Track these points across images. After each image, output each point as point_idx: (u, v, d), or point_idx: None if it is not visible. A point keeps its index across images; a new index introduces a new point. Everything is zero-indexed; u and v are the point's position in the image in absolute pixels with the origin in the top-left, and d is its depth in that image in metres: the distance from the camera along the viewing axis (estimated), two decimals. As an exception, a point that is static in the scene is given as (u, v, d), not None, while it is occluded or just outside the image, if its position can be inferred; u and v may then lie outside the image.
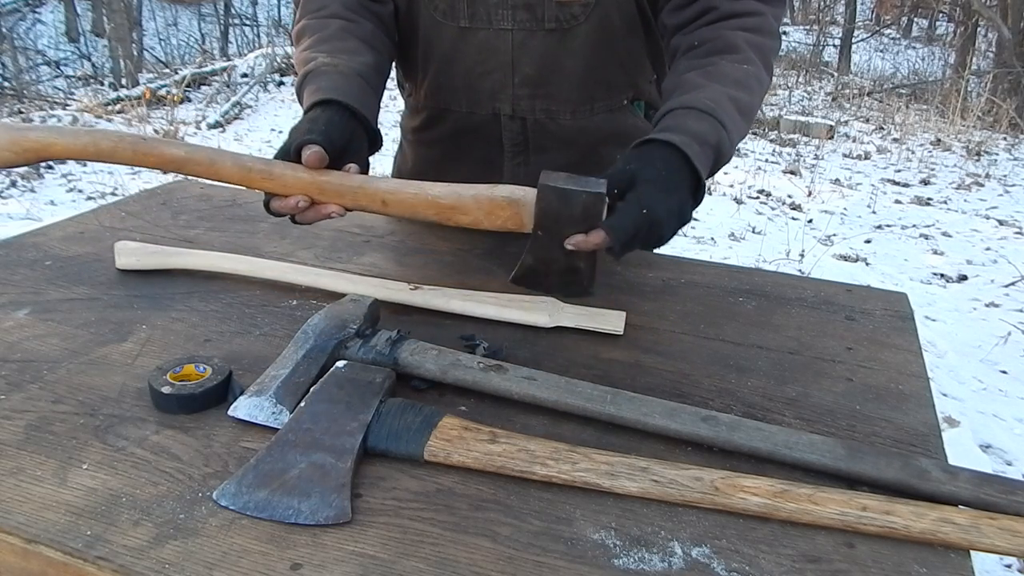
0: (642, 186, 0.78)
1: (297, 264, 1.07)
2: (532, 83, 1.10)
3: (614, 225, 0.77)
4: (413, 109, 1.24)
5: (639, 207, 0.77)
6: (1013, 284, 3.68)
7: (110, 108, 6.09)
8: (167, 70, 8.37)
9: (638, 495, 0.66)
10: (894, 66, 11.15)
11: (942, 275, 3.84)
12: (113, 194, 4.41)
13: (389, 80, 1.09)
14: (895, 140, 6.74)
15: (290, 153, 0.85)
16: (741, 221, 4.41)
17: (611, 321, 0.95)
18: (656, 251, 0.84)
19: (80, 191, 4.48)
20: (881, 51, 12.71)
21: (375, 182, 0.86)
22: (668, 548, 0.62)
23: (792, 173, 5.54)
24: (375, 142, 0.96)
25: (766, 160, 5.87)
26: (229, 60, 8.45)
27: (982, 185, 5.46)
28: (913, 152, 6.31)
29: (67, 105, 6.44)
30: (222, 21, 11.26)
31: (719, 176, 5.19)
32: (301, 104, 0.96)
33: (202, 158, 0.85)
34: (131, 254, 1.07)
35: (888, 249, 4.15)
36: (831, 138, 6.69)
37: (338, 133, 0.87)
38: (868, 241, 4.26)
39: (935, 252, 4.16)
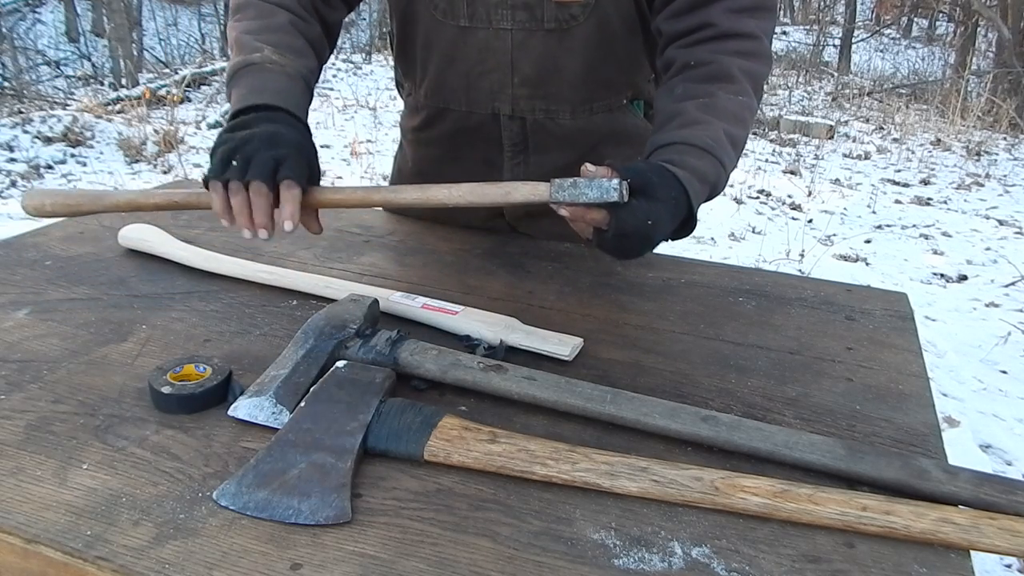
0: (655, 203, 0.78)
1: (294, 271, 1.08)
2: (531, 83, 1.10)
3: (620, 216, 0.77)
4: (412, 108, 1.24)
5: (646, 216, 0.78)
6: (1013, 284, 3.67)
7: (110, 108, 6.08)
8: (167, 70, 8.37)
9: (638, 495, 0.66)
10: (894, 66, 11.15)
11: (942, 275, 3.84)
12: (113, 194, 4.40)
13: (387, 80, 1.08)
14: (895, 140, 6.74)
15: (254, 165, 0.80)
16: (741, 221, 4.41)
17: (560, 344, 0.89)
18: (655, 251, 0.85)
19: (80, 191, 4.48)
20: (881, 51, 12.71)
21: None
22: (668, 548, 0.62)
23: (792, 173, 5.54)
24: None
25: (766, 160, 5.87)
26: (229, 60, 8.44)
27: (982, 185, 5.46)
28: (913, 152, 6.31)
29: (67, 105, 6.43)
30: (222, 21, 11.26)
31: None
32: (229, 89, 0.92)
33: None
34: (136, 234, 1.13)
35: (888, 249, 4.15)
36: (831, 138, 6.69)
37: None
38: (868, 241, 4.26)
39: (935, 252, 4.16)
